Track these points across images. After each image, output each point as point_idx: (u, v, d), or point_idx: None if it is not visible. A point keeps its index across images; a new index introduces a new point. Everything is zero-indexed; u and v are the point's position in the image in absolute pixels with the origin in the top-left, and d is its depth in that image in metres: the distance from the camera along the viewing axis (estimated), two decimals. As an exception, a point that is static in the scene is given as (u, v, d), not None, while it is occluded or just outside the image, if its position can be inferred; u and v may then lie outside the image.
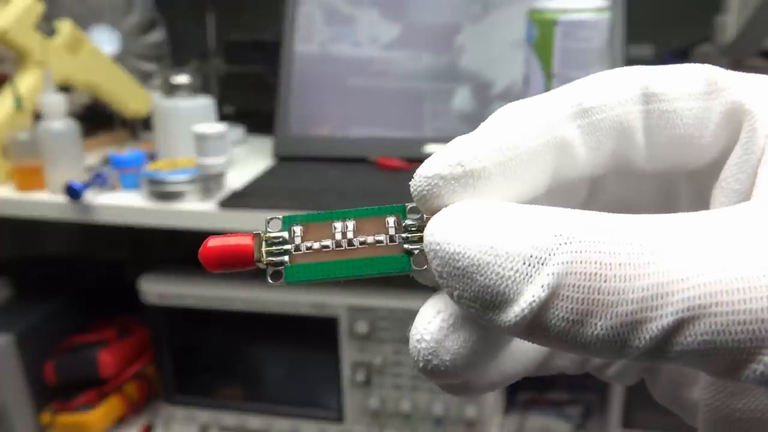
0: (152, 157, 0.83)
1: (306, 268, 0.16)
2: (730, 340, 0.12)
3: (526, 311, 0.13)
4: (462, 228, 0.14)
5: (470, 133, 0.15)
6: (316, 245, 0.16)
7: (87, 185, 0.74)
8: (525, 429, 0.89)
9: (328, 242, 0.16)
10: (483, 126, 0.15)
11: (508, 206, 0.14)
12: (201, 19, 1.06)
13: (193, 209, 0.72)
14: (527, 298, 0.13)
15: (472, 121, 0.85)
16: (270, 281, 0.16)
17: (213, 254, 0.16)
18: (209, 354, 0.90)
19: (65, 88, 0.86)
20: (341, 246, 0.16)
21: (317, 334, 0.82)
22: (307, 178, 0.80)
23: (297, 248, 0.16)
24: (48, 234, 1.09)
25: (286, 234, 0.16)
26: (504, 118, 0.15)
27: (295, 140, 0.88)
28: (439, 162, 0.15)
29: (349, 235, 0.16)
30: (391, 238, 0.16)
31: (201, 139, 0.71)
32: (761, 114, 0.15)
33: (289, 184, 0.78)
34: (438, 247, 0.14)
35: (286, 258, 0.16)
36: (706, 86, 0.15)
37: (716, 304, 0.12)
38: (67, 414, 0.89)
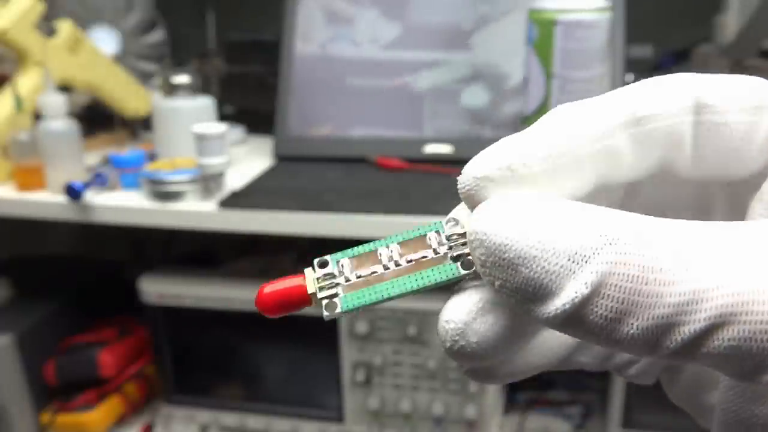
0: (152, 157, 0.83)
1: (360, 295, 0.16)
2: (756, 346, 0.12)
3: (567, 306, 0.13)
4: (509, 220, 0.14)
5: (521, 132, 0.15)
6: (365, 272, 0.16)
7: (87, 185, 0.74)
8: (525, 429, 0.89)
9: (377, 268, 0.16)
10: (535, 128, 0.15)
11: (555, 202, 0.14)
12: (201, 19, 1.06)
13: (193, 209, 0.72)
14: (569, 293, 0.13)
15: (475, 119, 0.85)
16: (326, 313, 0.16)
17: (270, 300, 0.17)
18: (209, 354, 0.90)
19: (65, 88, 0.86)
20: (389, 268, 0.16)
21: (317, 334, 0.82)
22: (307, 178, 0.80)
23: (347, 279, 0.16)
24: (48, 234, 1.09)
25: (335, 270, 0.17)
26: (556, 122, 0.15)
27: (295, 140, 0.88)
28: (490, 163, 0.15)
29: (395, 257, 0.16)
30: (435, 251, 0.16)
31: (201, 139, 0.71)
32: None
33: (289, 184, 0.78)
34: (485, 237, 0.14)
35: (339, 290, 0.16)
36: (757, 101, 0.16)
37: (746, 312, 0.12)
38: (67, 414, 0.89)
